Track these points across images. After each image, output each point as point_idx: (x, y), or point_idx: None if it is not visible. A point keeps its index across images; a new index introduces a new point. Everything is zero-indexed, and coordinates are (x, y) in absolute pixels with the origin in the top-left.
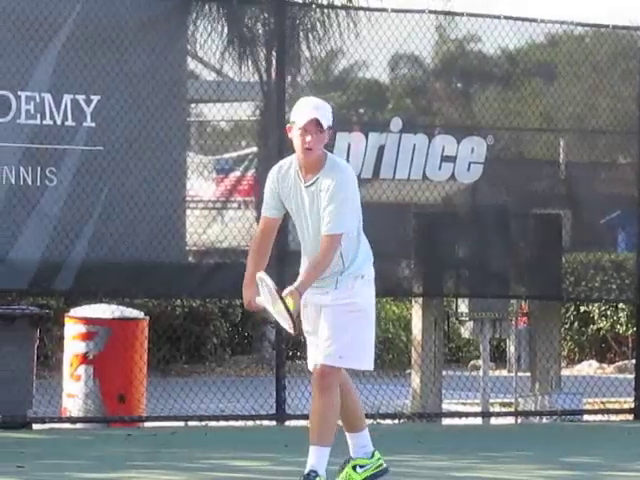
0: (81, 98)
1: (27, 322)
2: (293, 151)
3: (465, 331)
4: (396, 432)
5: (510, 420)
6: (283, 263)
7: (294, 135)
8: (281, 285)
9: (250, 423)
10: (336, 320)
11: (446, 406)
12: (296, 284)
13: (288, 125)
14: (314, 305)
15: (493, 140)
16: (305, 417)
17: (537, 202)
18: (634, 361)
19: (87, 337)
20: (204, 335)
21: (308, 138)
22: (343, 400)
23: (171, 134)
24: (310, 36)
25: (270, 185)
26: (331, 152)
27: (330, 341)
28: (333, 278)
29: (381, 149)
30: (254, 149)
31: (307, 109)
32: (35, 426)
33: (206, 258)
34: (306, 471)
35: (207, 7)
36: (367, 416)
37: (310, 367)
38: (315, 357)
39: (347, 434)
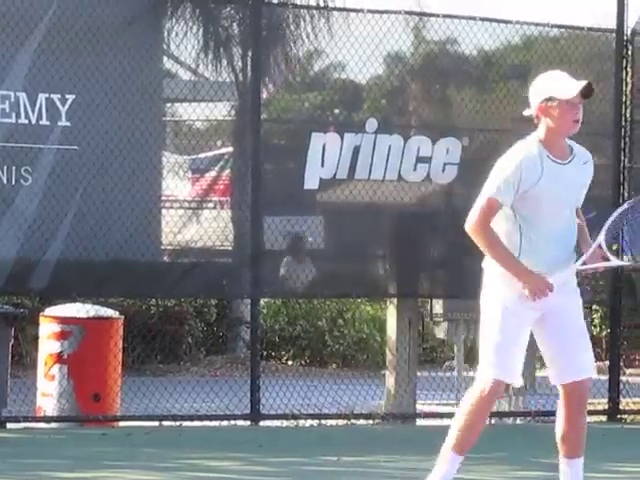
0: (56, 97)
1: (1, 321)
2: (271, 150)
3: (440, 332)
4: (370, 432)
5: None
6: (258, 262)
7: (555, 112)
8: (255, 286)
9: (224, 423)
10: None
11: (420, 407)
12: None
13: (540, 104)
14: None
15: (468, 141)
16: (280, 417)
17: None
18: (608, 362)
19: (62, 336)
20: (179, 335)
21: (576, 110)
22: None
23: (147, 133)
24: (286, 36)
25: (518, 173)
26: (306, 153)
27: (589, 347)
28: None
29: (356, 150)
30: (230, 149)
31: (569, 81)
32: (9, 425)
33: (181, 258)
34: None
35: (183, 7)
36: (341, 416)
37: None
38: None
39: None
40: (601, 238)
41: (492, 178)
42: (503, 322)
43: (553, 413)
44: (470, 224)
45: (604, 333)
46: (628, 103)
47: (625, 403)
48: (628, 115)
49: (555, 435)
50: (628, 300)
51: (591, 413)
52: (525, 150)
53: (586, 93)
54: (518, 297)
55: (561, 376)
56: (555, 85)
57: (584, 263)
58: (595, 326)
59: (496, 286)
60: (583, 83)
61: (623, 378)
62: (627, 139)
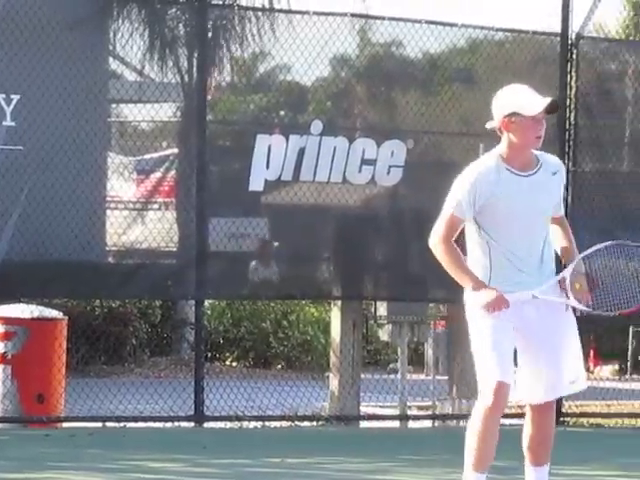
0: (1, 97)
1: None
2: (216, 152)
3: (383, 334)
4: (314, 434)
5: (427, 423)
6: (203, 263)
7: (518, 128)
8: (200, 287)
9: (168, 424)
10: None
11: (364, 409)
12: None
13: (504, 118)
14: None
15: (413, 144)
16: (224, 419)
17: None
18: None
19: (5, 337)
20: (123, 336)
21: (540, 127)
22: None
23: (92, 134)
24: (231, 38)
25: (474, 188)
26: (251, 154)
27: (580, 358)
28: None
29: (301, 152)
30: (175, 150)
31: (533, 97)
32: None
33: (126, 259)
34: None
35: (129, 7)
36: (285, 418)
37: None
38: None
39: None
40: (567, 273)
41: (451, 193)
42: (492, 328)
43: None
44: (431, 239)
45: None
46: (572, 107)
47: (567, 406)
48: (572, 119)
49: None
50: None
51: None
52: (482, 164)
53: (550, 109)
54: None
55: (531, 394)
56: (519, 100)
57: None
58: None
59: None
60: (548, 100)
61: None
62: (571, 143)
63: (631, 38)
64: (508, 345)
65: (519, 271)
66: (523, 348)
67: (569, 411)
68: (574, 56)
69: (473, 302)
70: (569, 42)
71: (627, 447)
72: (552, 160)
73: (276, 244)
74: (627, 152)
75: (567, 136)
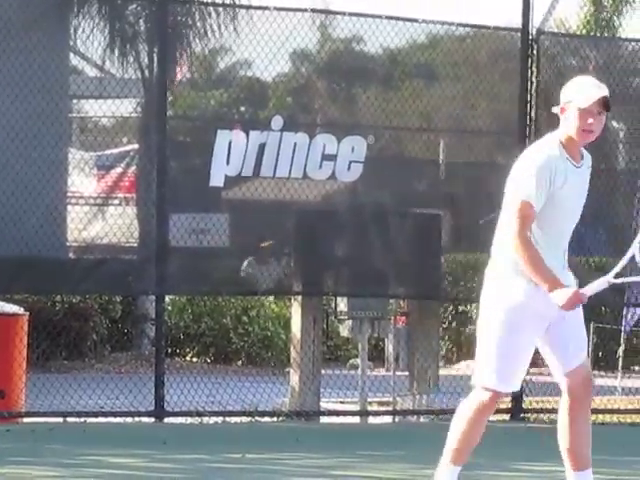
0: None
1: None
2: (176, 147)
3: (344, 330)
4: (274, 430)
5: (388, 419)
6: (164, 259)
7: (570, 116)
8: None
9: (129, 419)
10: None
11: (324, 405)
12: None
13: (563, 104)
14: None
15: (374, 139)
16: (184, 414)
17: (417, 202)
18: None
19: None
20: (84, 331)
21: (590, 120)
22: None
23: (52, 130)
24: (192, 33)
25: (547, 174)
26: (211, 150)
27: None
28: None
29: (262, 147)
30: (135, 146)
31: (590, 89)
32: None
33: (87, 254)
34: None
35: (89, 3)
36: (245, 413)
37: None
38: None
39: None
40: (635, 249)
41: (519, 181)
42: (513, 334)
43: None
44: (511, 235)
45: None
46: (533, 102)
47: (528, 402)
48: (533, 114)
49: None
50: None
51: (495, 411)
52: (549, 150)
53: (604, 105)
54: (535, 308)
55: (569, 361)
56: (578, 90)
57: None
58: None
59: (508, 298)
60: (600, 94)
61: (527, 377)
62: (532, 138)
63: (592, 34)
64: (526, 356)
65: (557, 262)
66: (555, 328)
67: (529, 407)
68: (535, 51)
69: (499, 302)
70: (530, 37)
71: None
72: (587, 154)
73: (235, 240)
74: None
75: (528, 130)
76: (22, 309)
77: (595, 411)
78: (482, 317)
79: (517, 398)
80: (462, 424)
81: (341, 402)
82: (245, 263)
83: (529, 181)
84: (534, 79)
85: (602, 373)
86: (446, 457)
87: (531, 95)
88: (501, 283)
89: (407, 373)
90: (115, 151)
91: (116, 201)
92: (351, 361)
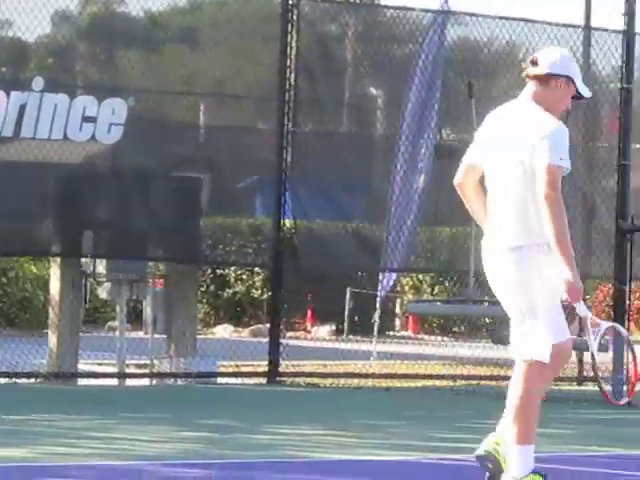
0: None
1: None
2: None
3: (102, 292)
4: (33, 391)
5: (146, 382)
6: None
7: (566, 92)
8: None
9: None
10: None
11: (82, 366)
12: None
13: (564, 77)
14: None
15: (134, 102)
16: None
17: (177, 165)
18: (268, 325)
19: None
20: None
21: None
22: None
23: None
24: None
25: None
26: None
27: None
28: None
29: (22, 108)
30: None
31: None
32: None
33: None
34: None
35: None
36: (3, 375)
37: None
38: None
39: None
40: None
41: (558, 145)
42: (556, 297)
43: (214, 375)
44: (550, 195)
45: (265, 296)
46: (293, 68)
47: (285, 366)
48: (292, 80)
49: None
50: (289, 264)
51: (252, 375)
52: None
53: (579, 98)
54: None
55: None
56: (579, 75)
57: None
58: (257, 289)
59: (541, 262)
60: (589, 92)
61: (283, 341)
62: (291, 104)
63: (352, 0)
64: None
65: None
66: None
67: (286, 371)
68: (295, 17)
69: (547, 265)
70: (290, 3)
71: (344, 406)
72: None
73: None
74: (346, 114)
75: (287, 97)
76: None
77: (351, 375)
78: (523, 289)
79: (274, 362)
80: (525, 400)
81: (99, 364)
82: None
83: (564, 145)
84: (294, 44)
85: (358, 338)
86: (519, 439)
87: (291, 60)
88: (532, 250)
89: (165, 336)
90: None
91: None
92: (109, 323)
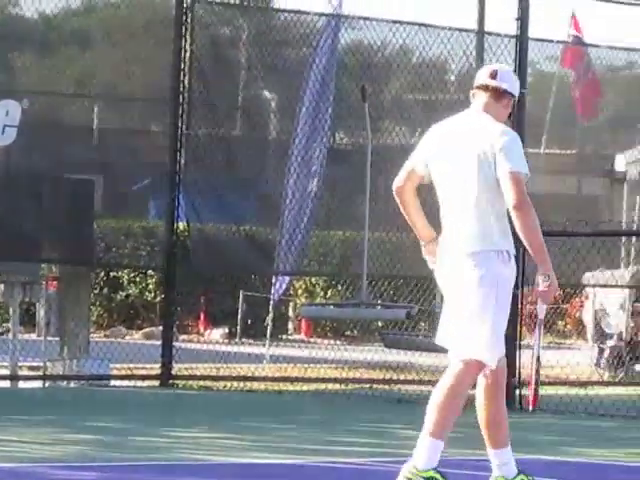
0: None
1: None
2: None
3: None
4: None
5: (38, 384)
6: None
7: (509, 109)
8: None
9: None
10: None
11: None
12: None
13: (512, 99)
14: None
15: (28, 104)
16: None
17: (71, 167)
18: (161, 328)
19: None
20: None
21: None
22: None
23: None
24: None
25: None
26: None
27: None
28: None
29: None
30: None
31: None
32: None
33: None
34: None
35: None
36: None
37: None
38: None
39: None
40: None
41: (517, 153)
42: (505, 309)
43: (107, 377)
44: (519, 205)
45: (158, 299)
46: (186, 70)
47: (177, 369)
48: (186, 82)
49: None
50: (183, 267)
51: (144, 378)
52: None
53: None
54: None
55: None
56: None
57: None
58: (150, 292)
59: (499, 269)
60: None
61: (176, 344)
62: (185, 106)
63: (246, 4)
64: None
65: None
66: None
67: (179, 374)
68: (189, 20)
69: (512, 278)
70: (184, 6)
71: (236, 409)
72: None
73: None
74: (240, 116)
75: (181, 99)
76: None
77: (243, 378)
78: (476, 292)
79: (167, 365)
80: (451, 398)
81: None
82: None
83: (521, 152)
84: (188, 47)
85: (251, 341)
86: (433, 432)
87: (185, 63)
88: (491, 257)
89: (58, 338)
90: None
91: None
92: (2, 325)
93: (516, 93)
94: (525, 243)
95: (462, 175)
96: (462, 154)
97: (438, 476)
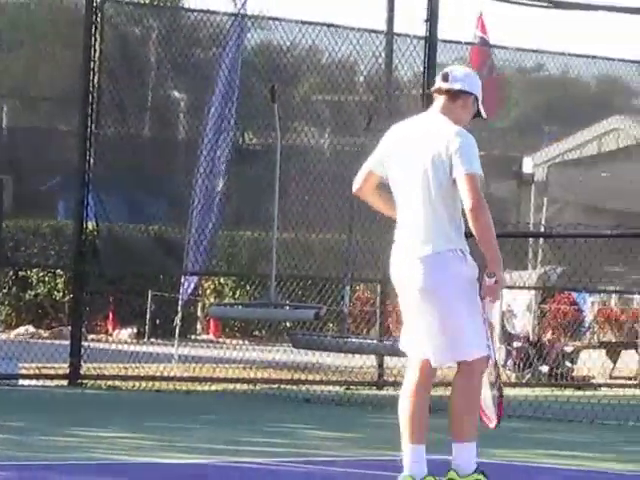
0: None
1: None
2: None
3: None
4: None
5: None
6: None
7: (470, 111)
8: None
9: None
10: None
11: None
12: None
13: (472, 97)
14: None
15: None
16: None
17: None
18: (70, 327)
19: None
20: None
21: None
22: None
23: None
24: None
25: None
26: None
27: None
28: None
29: None
30: None
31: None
32: None
33: None
34: None
35: None
36: None
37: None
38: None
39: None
40: None
41: (471, 154)
42: (475, 299)
43: (15, 376)
44: (476, 206)
45: (67, 298)
46: (96, 70)
47: (86, 368)
48: (96, 82)
49: None
50: (91, 266)
51: (53, 377)
52: None
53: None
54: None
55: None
56: (480, 95)
57: None
58: (59, 291)
59: (458, 267)
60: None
61: (85, 343)
62: (94, 106)
63: (155, 3)
64: None
65: None
66: None
67: (87, 373)
68: (98, 19)
69: (473, 274)
70: (94, 5)
71: (145, 409)
72: None
73: None
74: (150, 116)
75: (91, 99)
76: None
77: (151, 378)
78: (448, 293)
79: (75, 364)
80: (473, 398)
81: None
82: None
83: (476, 153)
84: (97, 47)
85: (159, 341)
86: (470, 437)
87: (94, 62)
88: (448, 257)
89: None
90: None
91: None
92: None
93: (473, 91)
94: (479, 242)
95: (417, 176)
96: (417, 156)
97: (482, 477)
